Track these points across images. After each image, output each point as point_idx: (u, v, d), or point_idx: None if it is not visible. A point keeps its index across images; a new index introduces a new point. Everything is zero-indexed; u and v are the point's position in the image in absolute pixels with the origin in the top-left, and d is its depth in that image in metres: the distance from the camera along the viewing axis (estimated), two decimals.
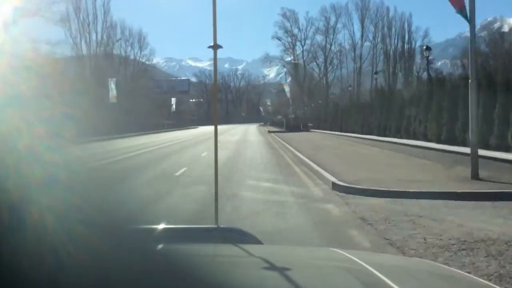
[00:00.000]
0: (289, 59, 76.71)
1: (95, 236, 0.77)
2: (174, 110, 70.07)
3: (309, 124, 40.51)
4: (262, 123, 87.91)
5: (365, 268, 1.12)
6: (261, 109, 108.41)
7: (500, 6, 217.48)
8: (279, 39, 74.81)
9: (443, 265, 1.85)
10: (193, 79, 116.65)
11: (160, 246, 1.17)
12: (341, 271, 1.18)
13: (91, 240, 0.76)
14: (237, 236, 1.49)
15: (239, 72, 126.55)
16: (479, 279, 1.36)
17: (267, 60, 76.59)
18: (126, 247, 0.89)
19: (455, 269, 1.53)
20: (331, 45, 76.45)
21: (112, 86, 40.74)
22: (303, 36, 76.35)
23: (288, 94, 45.05)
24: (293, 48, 76.50)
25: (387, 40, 77.84)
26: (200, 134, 43.11)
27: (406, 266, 1.41)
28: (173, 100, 70.43)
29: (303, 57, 76.68)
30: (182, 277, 0.90)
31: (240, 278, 1.02)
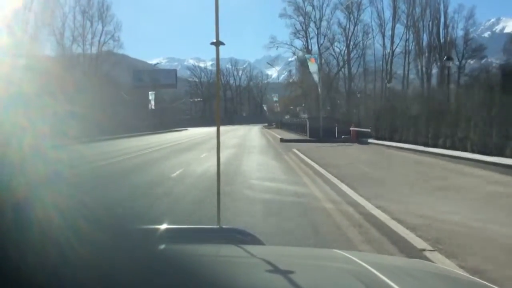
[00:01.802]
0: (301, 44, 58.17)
1: (98, 235, 0.76)
2: (153, 107, 51.83)
3: (362, 130, 21.29)
4: (266, 124, 70.11)
5: (366, 269, 1.08)
6: (265, 108, 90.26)
7: (501, 7, 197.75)
8: (289, 17, 56.61)
9: (443, 266, 1.66)
10: (187, 73, 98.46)
11: (162, 246, 1.14)
12: (343, 272, 1.14)
13: (95, 238, 0.75)
14: (240, 237, 1.44)
15: (240, 70, 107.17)
16: (478, 279, 1.25)
17: (274, 45, 58.00)
18: (129, 247, 0.87)
19: (455, 270, 1.46)
20: (355, 24, 57.71)
21: None
22: (318, 16, 57.86)
23: (316, 77, 25.88)
24: (306, 30, 57.97)
25: (420, 24, 59.35)
26: (177, 141, 25.55)
27: (407, 267, 1.36)
28: (151, 94, 52.06)
29: (318, 42, 58.21)
30: (184, 277, 0.86)
31: (242, 279, 0.99)
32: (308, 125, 24.98)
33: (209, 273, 0.93)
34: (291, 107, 53.64)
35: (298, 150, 16.05)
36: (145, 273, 0.76)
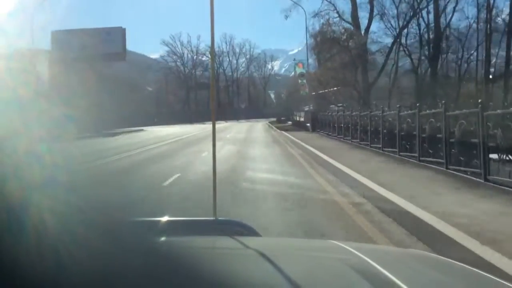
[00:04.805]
0: None
1: (94, 232, 0.74)
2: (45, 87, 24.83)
3: None
4: (275, 120, 44.04)
5: (362, 259, 1.06)
6: (272, 95, 63.62)
7: None
8: None
9: (438, 256, 1.58)
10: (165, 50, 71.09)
11: (158, 239, 1.12)
12: (339, 262, 1.11)
13: (91, 237, 0.72)
14: (236, 229, 1.41)
15: (237, 48, 78.70)
16: (473, 268, 1.18)
17: None
18: (124, 241, 0.84)
19: (450, 260, 1.37)
20: None
21: None
22: None
23: None
24: None
25: None
26: None
27: (403, 257, 1.33)
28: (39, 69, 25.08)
29: None
30: (180, 269, 0.84)
31: (238, 270, 0.96)
32: None
33: (205, 265, 0.90)
34: (330, 89, 26.37)
35: None
36: (141, 267, 0.73)
